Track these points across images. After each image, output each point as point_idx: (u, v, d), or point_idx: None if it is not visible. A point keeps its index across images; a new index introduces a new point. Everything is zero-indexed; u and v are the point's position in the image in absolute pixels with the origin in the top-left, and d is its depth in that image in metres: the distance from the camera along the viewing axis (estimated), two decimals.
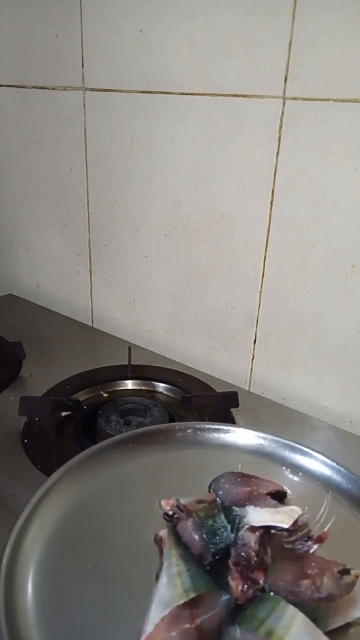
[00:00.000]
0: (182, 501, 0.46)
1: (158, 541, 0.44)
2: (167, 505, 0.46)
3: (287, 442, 0.56)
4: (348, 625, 0.39)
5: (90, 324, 1.01)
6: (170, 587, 0.38)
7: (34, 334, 0.92)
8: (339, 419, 0.74)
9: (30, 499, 0.47)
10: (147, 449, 0.56)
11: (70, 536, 0.45)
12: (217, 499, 0.47)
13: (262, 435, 0.58)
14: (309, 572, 0.40)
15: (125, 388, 0.78)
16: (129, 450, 0.55)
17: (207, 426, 0.59)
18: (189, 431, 0.58)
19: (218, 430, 0.59)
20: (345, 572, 0.40)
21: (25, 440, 0.63)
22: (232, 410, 0.71)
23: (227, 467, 0.53)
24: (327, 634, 0.37)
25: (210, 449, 0.57)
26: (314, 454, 0.55)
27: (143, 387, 0.78)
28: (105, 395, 0.76)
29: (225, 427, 0.59)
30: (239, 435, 0.58)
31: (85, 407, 0.72)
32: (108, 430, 0.65)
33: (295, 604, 0.38)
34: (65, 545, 0.44)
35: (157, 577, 0.40)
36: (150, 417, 0.68)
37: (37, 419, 0.66)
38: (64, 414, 0.70)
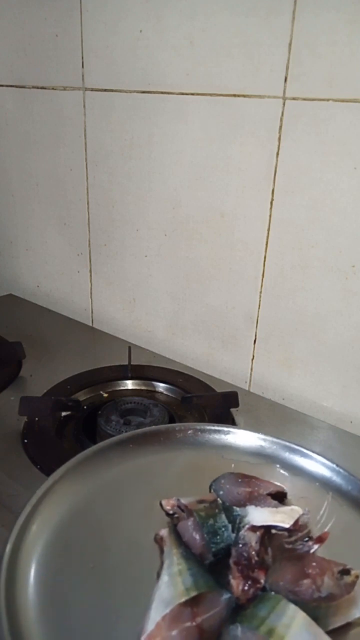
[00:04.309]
0: (183, 501, 0.46)
1: (158, 540, 0.44)
2: (168, 505, 0.46)
3: (287, 443, 0.56)
4: (348, 625, 0.39)
5: (90, 324, 1.01)
6: (171, 586, 0.38)
7: (34, 334, 0.92)
8: (339, 419, 0.74)
9: (31, 499, 0.47)
10: (148, 450, 0.56)
11: (70, 535, 0.45)
12: (218, 499, 0.47)
13: (262, 436, 0.58)
14: (310, 571, 0.40)
15: (125, 388, 0.78)
16: (130, 451, 0.55)
17: (208, 427, 0.59)
18: (189, 432, 0.58)
19: (218, 431, 0.59)
20: (346, 572, 0.41)
21: (25, 440, 0.63)
22: (232, 410, 0.71)
23: (227, 468, 0.53)
24: (327, 633, 0.37)
25: (210, 450, 0.57)
26: (314, 455, 0.55)
27: (143, 387, 0.78)
28: (105, 395, 0.76)
29: (225, 429, 0.59)
30: (239, 437, 0.58)
31: (85, 407, 0.72)
32: (108, 430, 0.65)
33: (295, 604, 0.38)
34: (66, 545, 0.44)
35: (158, 576, 0.40)
36: (150, 417, 0.68)
37: (37, 419, 0.66)
38: (64, 414, 0.70)
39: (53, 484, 0.49)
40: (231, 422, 0.69)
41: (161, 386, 0.78)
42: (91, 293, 0.99)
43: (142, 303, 0.92)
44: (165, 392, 0.78)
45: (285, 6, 0.62)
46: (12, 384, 0.76)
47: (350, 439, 0.68)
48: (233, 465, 0.54)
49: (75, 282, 1.01)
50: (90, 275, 0.98)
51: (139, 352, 0.87)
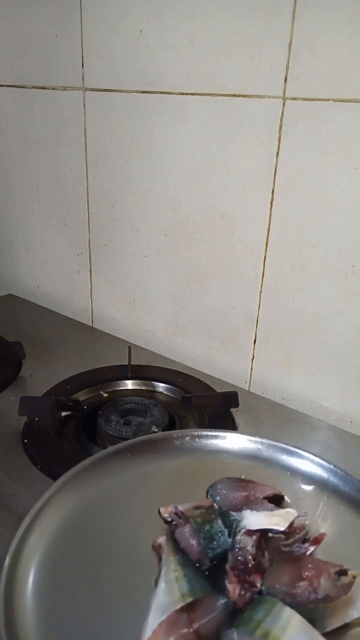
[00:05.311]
0: (180, 507, 0.46)
1: (156, 548, 0.44)
2: (165, 512, 0.46)
3: (284, 446, 0.56)
4: (346, 626, 0.39)
5: (90, 324, 1.02)
6: (168, 593, 0.38)
7: (34, 334, 0.92)
8: (339, 419, 0.74)
9: (31, 509, 0.47)
10: (146, 458, 0.56)
11: (70, 544, 0.45)
12: (215, 504, 0.47)
13: (259, 440, 0.58)
14: (306, 573, 0.40)
15: (125, 388, 0.78)
16: (128, 460, 0.55)
17: (205, 433, 0.59)
18: (186, 438, 0.58)
19: (215, 436, 0.59)
20: (343, 572, 0.41)
21: (25, 440, 0.63)
22: (232, 410, 0.71)
23: (225, 472, 0.53)
24: (325, 635, 0.37)
25: (207, 455, 0.57)
26: (311, 456, 0.55)
27: (143, 387, 0.79)
28: (105, 395, 0.76)
29: (222, 434, 0.59)
30: (236, 441, 0.58)
31: (85, 407, 0.72)
32: (108, 430, 0.65)
33: (292, 606, 0.38)
34: (65, 553, 0.44)
35: (156, 583, 0.40)
36: (150, 417, 0.68)
37: (37, 419, 0.66)
38: (64, 414, 0.70)
39: (53, 494, 0.49)
40: (231, 422, 0.69)
41: (161, 386, 0.78)
42: (91, 293, 0.99)
43: (142, 303, 0.92)
44: (165, 392, 0.78)
45: (285, 6, 0.62)
46: (12, 384, 0.77)
47: (350, 439, 0.68)
48: (237, 471, 0.54)
49: (75, 282, 1.01)
50: (90, 275, 0.98)
51: (139, 352, 0.87)
